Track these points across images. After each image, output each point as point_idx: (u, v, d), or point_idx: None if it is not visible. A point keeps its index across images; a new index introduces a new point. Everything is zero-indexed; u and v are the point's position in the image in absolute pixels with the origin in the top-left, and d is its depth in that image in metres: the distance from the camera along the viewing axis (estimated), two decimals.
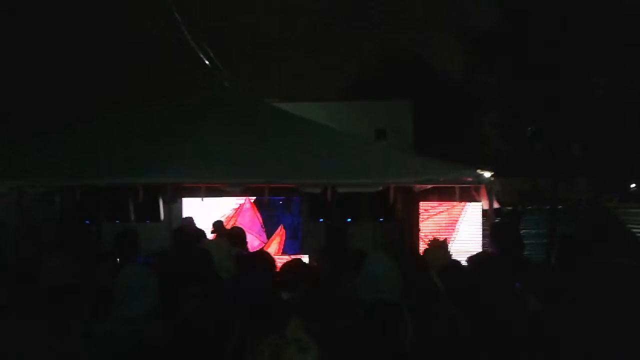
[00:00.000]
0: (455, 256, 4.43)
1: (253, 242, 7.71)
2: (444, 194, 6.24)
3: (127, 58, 10.34)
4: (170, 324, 2.81)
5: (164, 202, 5.58)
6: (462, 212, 6.35)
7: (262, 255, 4.00)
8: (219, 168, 5.54)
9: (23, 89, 9.35)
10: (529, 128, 15.27)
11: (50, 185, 5.37)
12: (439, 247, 4.41)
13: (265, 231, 8.42)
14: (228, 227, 6.60)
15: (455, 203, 6.16)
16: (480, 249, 5.74)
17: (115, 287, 2.83)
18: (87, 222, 6.76)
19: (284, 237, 8.53)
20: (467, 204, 6.21)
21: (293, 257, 5.22)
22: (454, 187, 5.70)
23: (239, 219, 8.06)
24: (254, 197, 7.75)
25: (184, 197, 7.38)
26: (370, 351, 2.74)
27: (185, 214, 7.01)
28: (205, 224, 6.60)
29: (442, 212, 6.46)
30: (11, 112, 8.93)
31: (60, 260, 3.48)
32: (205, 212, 7.16)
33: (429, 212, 6.56)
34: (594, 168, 14.83)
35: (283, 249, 8.32)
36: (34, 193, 5.36)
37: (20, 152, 6.04)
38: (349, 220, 6.84)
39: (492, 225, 5.28)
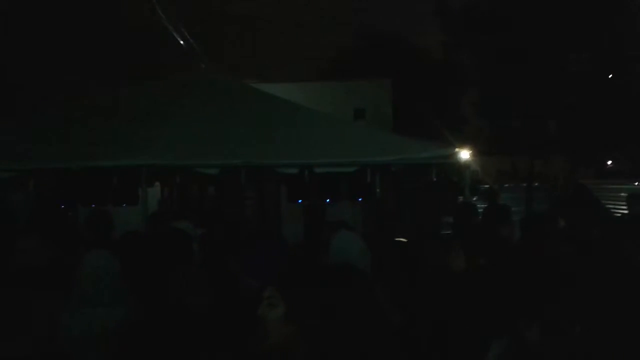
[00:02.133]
0: None
1: None
2: (422, 173, 6.26)
3: (100, 40, 10.15)
4: (156, 307, 2.79)
5: (140, 185, 5.50)
6: None
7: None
8: (195, 149, 5.49)
9: None
10: (508, 106, 15.40)
11: (22, 170, 5.26)
12: None
13: None
14: None
15: None
16: None
17: (79, 272, 2.82)
18: (63, 205, 6.68)
19: None
20: None
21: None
22: (431, 165, 5.72)
23: None
24: None
25: (160, 180, 7.32)
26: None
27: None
28: None
29: None
30: None
31: (33, 241, 3.44)
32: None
33: None
34: (569, 145, 15.06)
35: None
36: (7, 177, 5.24)
37: None
38: (328, 200, 6.85)
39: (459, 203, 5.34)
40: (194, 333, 2.55)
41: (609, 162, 19.25)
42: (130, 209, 5.75)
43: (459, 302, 2.99)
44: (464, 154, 5.89)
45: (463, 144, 6.80)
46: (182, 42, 9.82)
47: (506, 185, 14.34)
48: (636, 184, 13.04)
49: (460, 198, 6.03)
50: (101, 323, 2.83)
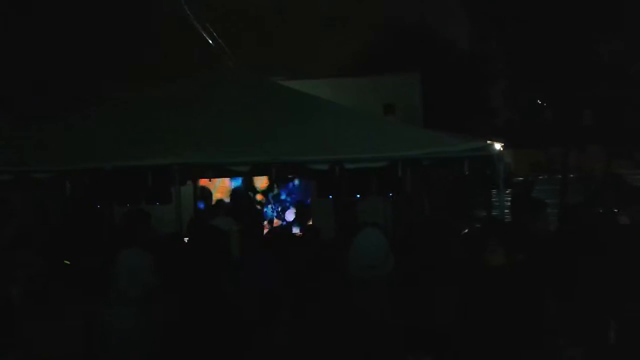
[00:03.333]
0: None
1: None
2: (454, 167, 6.18)
3: (126, 40, 10.29)
4: (190, 303, 2.83)
5: (173, 184, 5.57)
6: None
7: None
8: (226, 147, 5.53)
9: (26, 73, 9.34)
10: (539, 98, 15.07)
11: (56, 171, 5.38)
12: None
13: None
14: None
15: None
16: None
17: (115, 270, 2.87)
18: (98, 206, 6.81)
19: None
20: None
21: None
22: (463, 159, 5.63)
23: None
24: None
25: (193, 178, 7.40)
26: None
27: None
28: None
29: None
30: (15, 96, 8.94)
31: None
32: None
33: None
34: (605, 135, 14.66)
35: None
36: (42, 178, 5.37)
37: (26, 137, 6.06)
38: (358, 196, 6.82)
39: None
40: (234, 326, 2.58)
41: None
42: (164, 207, 5.84)
43: (503, 301, 2.93)
44: (496, 147, 5.78)
45: (495, 136, 6.69)
46: (210, 41, 9.89)
47: (540, 177, 14.05)
48: None
49: (494, 192, 5.93)
50: (137, 318, 2.88)
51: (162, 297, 2.93)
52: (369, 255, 3.00)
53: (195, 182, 8.21)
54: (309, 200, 8.48)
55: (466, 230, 4.28)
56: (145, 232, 4.56)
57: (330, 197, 7.16)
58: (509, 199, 5.28)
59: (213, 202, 8.09)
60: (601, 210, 4.47)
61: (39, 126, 6.47)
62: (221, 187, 9.00)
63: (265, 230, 6.65)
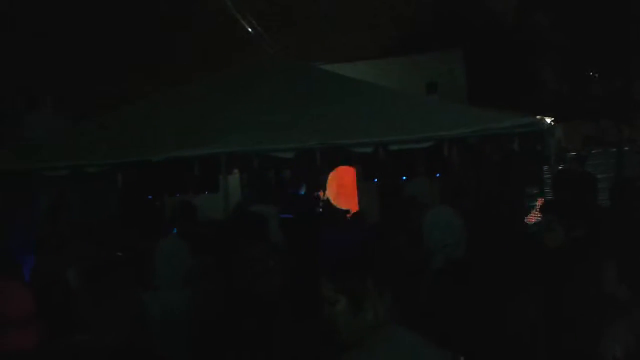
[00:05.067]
0: None
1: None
2: (503, 144, 6.01)
3: (165, 31, 10.42)
4: (226, 291, 2.86)
5: (220, 173, 5.64)
6: None
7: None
8: (270, 134, 5.55)
9: (73, 70, 9.61)
10: (589, 69, 14.46)
11: (109, 164, 5.53)
12: None
13: None
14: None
15: None
16: None
17: (155, 257, 2.96)
18: (150, 197, 7.00)
19: None
20: None
21: None
22: (512, 135, 5.47)
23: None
24: None
25: (239, 167, 7.47)
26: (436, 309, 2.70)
27: None
28: None
29: None
30: (65, 93, 9.21)
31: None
32: None
33: None
34: None
35: None
36: (94, 172, 5.53)
37: (78, 134, 6.25)
38: (404, 178, 6.74)
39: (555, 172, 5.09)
40: (260, 317, 2.58)
41: None
42: (212, 196, 5.92)
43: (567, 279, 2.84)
44: (546, 122, 5.59)
45: (543, 110, 6.47)
46: (249, 29, 9.91)
47: (594, 151, 13.53)
48: None
49: (545, 168, 5.75)
50: (175, 305, 2.95)
51: (202, 284, 3.00)
52: (440, 232, 2.94)
53: (241, 170, 8.30)
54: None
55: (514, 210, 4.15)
56: (188, 222, 4.64)
57: (375, 180, 7.12)
58: (559, 175, 5.11)
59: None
60: None
61: (90, 122, 6.66)
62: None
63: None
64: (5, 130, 8.09)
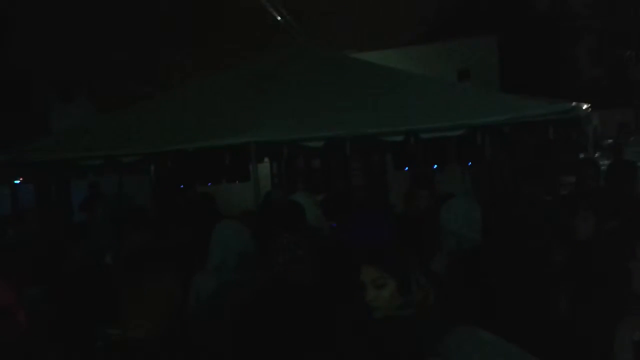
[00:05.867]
0: None
1: None
2: (537, 132, 5.88)
3: (196, 21, 10.48)
4: (266, 277, 2.87)
5: (250, 162, 5.68)
6: None
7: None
8: (300, 123, 5.54)
9: (106, 60, 9.75)
10: (628, 52, 14.04)
11: (142, 154, 5.61)
12: None
13: None
14: None
15: None
16: None
17: (211, 242, 3.00)
18: (182, 186, 7.09)
19: None
20: None
21: None
22: (547, 123, 5.34)
23: None
24: None
25: (269, 155, 7.50)
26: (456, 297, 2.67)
27: None
28: None
29: None
30: (99, 84, 9.37)
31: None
32: None
33: None
34: None
35: None
36: (128, 162, 5.62)
37: (111, 123, 6.35)
38: (435, 166, 6.67)
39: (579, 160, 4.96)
40: (295, 304, 2.58)
41: None
42: (244, 185, 5.96)
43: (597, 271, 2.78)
44: (583, 108, 5.43)
45: (580, 97, 6.30)
46: (279, 17, 9.89)
47: (631, 138, 13.16)
48: None
49: (582, 156, 5.60)
50: (229, 289, 2.97)
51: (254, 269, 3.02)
52: (457, 222, 2.93)
53: (271, 159, 8.33)
54: None
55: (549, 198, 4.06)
56: (207, 213, 4.67)
57: (407, 168, 7.05)
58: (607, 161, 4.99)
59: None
60: None
61: (122, 111, 6.76)
62: None
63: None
64: (39, 121, 8.29)
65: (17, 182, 7.27)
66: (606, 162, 6.85)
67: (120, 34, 9.80)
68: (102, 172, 6.35)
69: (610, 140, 10.77)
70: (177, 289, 2.23)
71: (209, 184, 6.78)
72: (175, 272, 2.26)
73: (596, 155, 5.46)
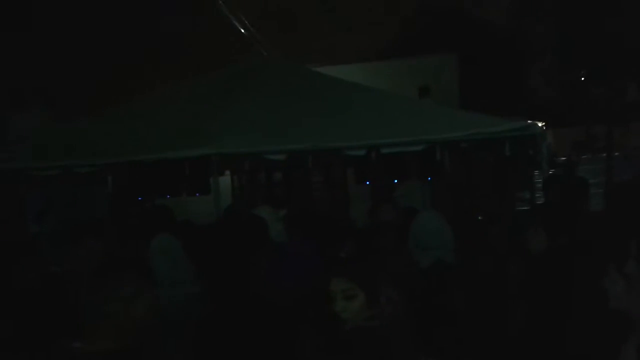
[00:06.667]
0: None
1: None
2: (494, 148, 6.02)
3: (159, 32, 10.38)
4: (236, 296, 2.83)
5: (211, 175, 5.62)
6: None
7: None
8: (263, 136, 5.53)
9: (63, 67, 9.55)
10: (582, 72, 14.56)
11: (99, 165, 5.49)
12: None
13: None
14: None
15: None
16: None
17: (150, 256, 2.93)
18: (140, 198, 6.96)
19: None
20: None
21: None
22: (503, 140, 5.48)
23: None
24: None
25: (231, 168, 7.44)
26: (425, 311, 2.70)
27: None
28: None
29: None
30: (57, 91, 9.15)
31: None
32: None
33: None
34: None
35: None
36: (84, 172, 5.49)
37: (68, 132, 6.20)
38: (396, 181, 6.75)
39: (543, 177, 5.10)
40: (272, 322, 2.56)
41: None
42: (204, 198, 5.89)
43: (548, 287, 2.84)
44: (538, 126, 5.60)
45: (535, 116, 6.50)
46: (242, 30, 9.88)
47: (584, 156, 13.63)
48: None
49: (536, 172, 5.77)
50: (173, 301, 2.91)
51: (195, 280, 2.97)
52: (427, 237, 2.96)
53: (233, 172, 8.27)
54: None
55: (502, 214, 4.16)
56: (167, 224, 4.58)
57: (368, 182, 7.11)
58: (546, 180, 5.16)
59: None
60: None
61: (81, 121, 6.61)
62: None
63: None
64: None
65: None
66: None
67: (79, 42, 9.61)
68: (57, 183, 6.18)
69: (563, 158, 11.14)
70: (142, 302, 2.18)
71: (168, 196, 6.66)
72: (141, 285, 2.21)
73: (550, 172, 5.62)
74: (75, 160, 5.49)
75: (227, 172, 8.00)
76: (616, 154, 14.57)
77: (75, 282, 3.04)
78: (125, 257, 3.40)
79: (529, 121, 5.50)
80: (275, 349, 2.45)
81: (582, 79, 15.17)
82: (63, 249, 3.90)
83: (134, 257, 3.37)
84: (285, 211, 4.44)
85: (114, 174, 5.57)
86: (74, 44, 9.56)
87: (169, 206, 4.90)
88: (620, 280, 1.98)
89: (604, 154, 14.66)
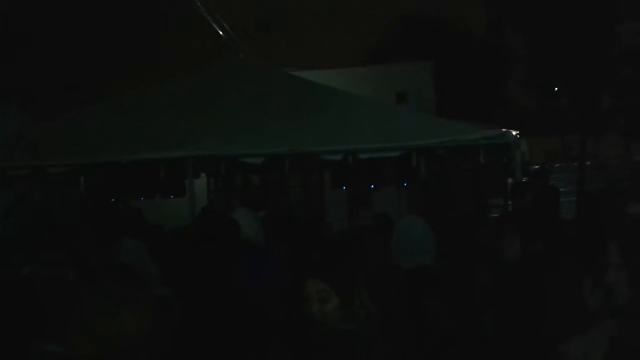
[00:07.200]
0: None
1: None
2: (469, 156, 6.10)
3: (138, 34, 10.29)
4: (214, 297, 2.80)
5: (186, 177, 5.57)
6: None
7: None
8: (240, 139, 5.50)
9: (40, 67, 9.39)
10: (557, 83, 14.84)
11: (72, 164, 5.39)
12: None
13: None
14: None
15: None
16: None
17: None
18: (113, 199, 6.85)
19: None
20: None
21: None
22: (478, 148, 5.55)
23: None
24: None
25: (206, 171, 7.39)
26: (406, 316, 2.71)
27: None
28: None
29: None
30: (34, 91, 8.99)
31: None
32: None
33: None
34: (624, 121, 14.43)
35: None
36: (57, 173, 5.39)
37: (43, 132, 6.09)
38: (372, 186, 6.77)
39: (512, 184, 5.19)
40: (244, 324, 2.54)
41: None
42: (178, 200, 5.83)
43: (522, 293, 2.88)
44: (512, 135, 5.69)
45: (510, 124, 6.60)
46: (221, 32, 9.85)
47: (557, 165, 13.89)
48: None
49: (510, 180, 5.85)
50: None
51: (164, 292, 2.93)
52: (410, 242, 2.97)
53: (209, 175, 8.21)
54: None
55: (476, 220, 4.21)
56: (135, 228, 4.52)
57: (344, 188, 7.12)
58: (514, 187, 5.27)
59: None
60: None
61: (55, 121, 6.50)
62: None
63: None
64: None
65: None
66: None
67: (57, 43, 9.47)
68: (28, 183, 6.06)
69: (537, 166, 11.33)
70: (125, 307, 2.14)
71: (142, 198, 6.57)
72: (127, 291, 2.16)
73: (523, 179, 5.70)
74: (47, 160, 5.39)
75: (203, 175, 7.94)
76: (588, 163, 14.87)
77: (45, 285, 2.98)
78: (111, 262, 3.36)
79: (503, 129, 5.57)
80: (248, 350, 2.43)
81: (556, 89, 15.47)
82: (33, 251, 3.82)
83: (122, 263, 3.32)
84: (264, 212, 4.42)
85: (87, 174, 5.48)
86: (51, 44, 9.42)
87: (139, 209, 4.84)
88: (597, 291, 2.01)
89: (577, 163, 14.95)
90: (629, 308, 1.98)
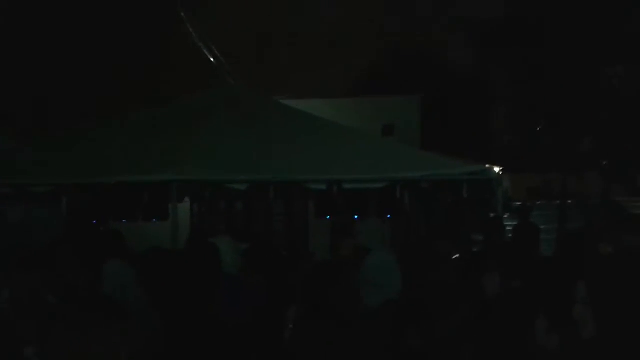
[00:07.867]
0: None
1: None
2: (452, 190, 6.16)
3: (129, 57, 10.34)
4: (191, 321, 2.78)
5: (170, 201, 5.55)
6: None
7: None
8: (225, 165, 5.52)
9: (26, 88, 9.37)
10: (540, 122, 15.14)
11: (53, 184, 5.36)
12: None
13: None
14: None
15: None
16: None
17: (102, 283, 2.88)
18: (95, 221, 6.77)
19: None
20: None
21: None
22: (461, 182, 5.62)
23: None
24: None
25: (190, 195, 7.36)
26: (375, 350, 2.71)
27: None
28: None
29: None
30: (15, 111, 8.95)
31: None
32: None
33: None
34: (605, 161, 14.69)
35: None
36: (38, 193, 5.34)
37: (26, 152, 6.05)
38: (356, 217, 6.78)
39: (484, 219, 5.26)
40: (226, 345, 2.53)
41: None
42: (161, 224, 5.79)
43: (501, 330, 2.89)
44: (495, 171, 5.78)
45: (493, 160, 6.70)
46: (212, 59, 9.94)
47: (538, 202, 14.06)
48: None
49: (491, 215, 5.91)
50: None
51: (147, 314, 2.90)
52: (375, 274, 2.99)
53: (192, 199, 8.17)
54: None
55: (457, 255, 4.23)
56: (117, 250, 4.47)
57: (328, 217, 7.12)
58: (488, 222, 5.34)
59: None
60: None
61: (40, 141, 6.47)
62: None
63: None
64: None
65: None
66: (514, 223, 7.27)
67: (45, 65, 9.48)
68: (9, 202, 5.99)
69: (519, 203, 11.47)
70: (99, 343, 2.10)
71: (124, 220, 6.51)
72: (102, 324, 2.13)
73: (505, 216, 5.78)
74: (29, 180, 5.35)
75: (187, 199, 7.91)
76: (569, 201, 15.07)
77: (24, 310, 2.93)
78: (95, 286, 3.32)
79: (486, 165, 5.66)
80: None
81: (539, 128, 15.75)
82: (11, 273, 3.75)
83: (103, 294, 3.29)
84: (246, 246, 4.40)
85: (70, 195, 5.44)
86: (39, 67, 9.43)
87: (120, 231, 4.80)
88: (554, 335, 2.04)
89: (558, 201, 15.14)
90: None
